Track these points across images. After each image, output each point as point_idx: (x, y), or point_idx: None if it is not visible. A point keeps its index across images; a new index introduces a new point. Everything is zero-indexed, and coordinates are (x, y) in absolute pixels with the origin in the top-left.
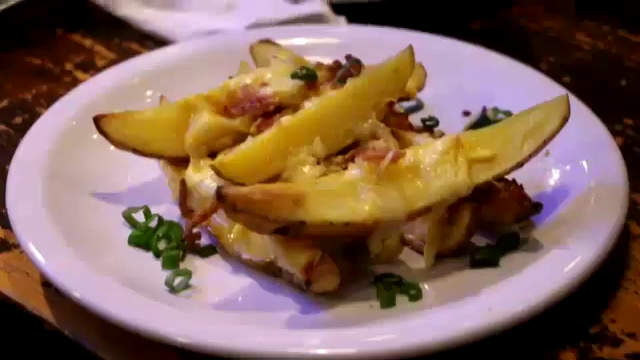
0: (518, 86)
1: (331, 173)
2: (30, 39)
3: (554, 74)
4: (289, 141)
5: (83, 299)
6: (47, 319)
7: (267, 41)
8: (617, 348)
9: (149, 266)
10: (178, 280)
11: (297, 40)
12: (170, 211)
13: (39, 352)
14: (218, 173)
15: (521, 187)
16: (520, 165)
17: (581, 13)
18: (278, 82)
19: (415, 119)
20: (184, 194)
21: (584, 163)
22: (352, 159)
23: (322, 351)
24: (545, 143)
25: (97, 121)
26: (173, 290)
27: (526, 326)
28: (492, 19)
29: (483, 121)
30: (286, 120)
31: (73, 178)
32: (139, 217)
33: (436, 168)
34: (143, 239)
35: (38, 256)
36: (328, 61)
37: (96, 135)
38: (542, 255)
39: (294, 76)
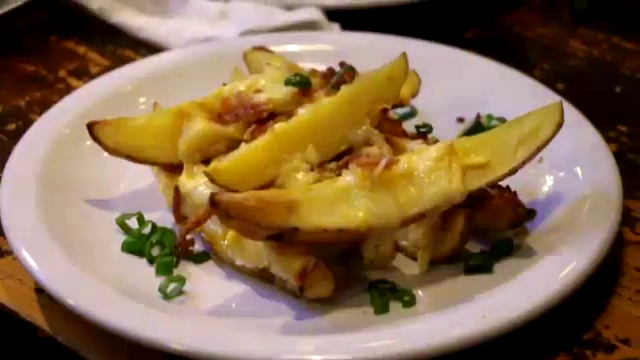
0: (512, 93)
1: (325, 180)
2: (24, 46)
3: (548, 81)
4: (283, 148)
5: (77, 306)
6: (41, 326)
7: (261, 48)
8: (611, 354)
9: (143, 272)
10: (172, 286)
11: (291, 47)
12: (164, 217)
13: (33, 359)
14: (212, 180)
15: (515, 194)
16: (514, 171)
17: (577, 20)
18: (272, 89)
19: (409, 126)
20: (178, 200)
21: (578, 170)
22: (346, 166)
23: (316, 357)
24: (539, 150)
25: (90, 128)
26: (167, 296)
27: (520, 332)
28: (487, 26)
29: (477, 128)
30: (280, 127)
31: (66, 185)
32: (133, 223)
33: (430, 175)
34: (137, 245)
35: (31, 263)
36: (322, 68)
37: (89, 142)
38: (536, 261)
39: (288, 83)
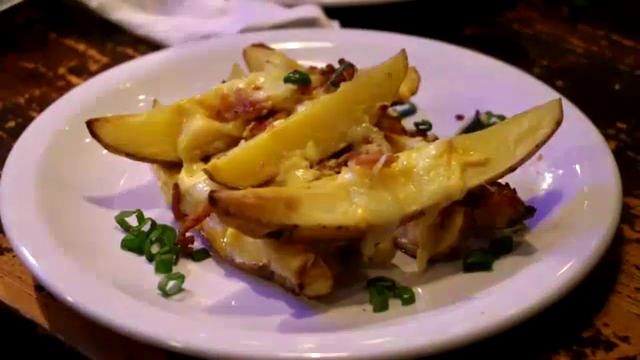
0: (511, 90)
1: (324, 177)
2: (23, 43)
3: (547, 78)
4: (282, 145)
5: (76, 303)
6: (40, 323)
7: (260, 45)
8: (610, 352)
9: (142, 270)
10: (171, 284)
11: (290, 44)
12: (163, 215)
13: (32, 356)
14: (211, 177)
15: (514, 191)
16: (513, 169)
17: (576, 17)
18: (271, 86)
19: (408, 123)
20: (177, 198)
21: (577, 167)
22: (345, 163)
23: (315, 355)
24: (538, 147)
25: (90, 125)
26: (166, 294)
27: (519, 330)
28: (486, 24)
29: (476, 125)
30: (279, 124)
31: (66, 182)
32: (132, 221)
33: (429, 172)
34: (136, 243)
35: (31, 260)
36: (321, 65)
37: (89, 139)
38: (535, 259)
39: (287, 80)
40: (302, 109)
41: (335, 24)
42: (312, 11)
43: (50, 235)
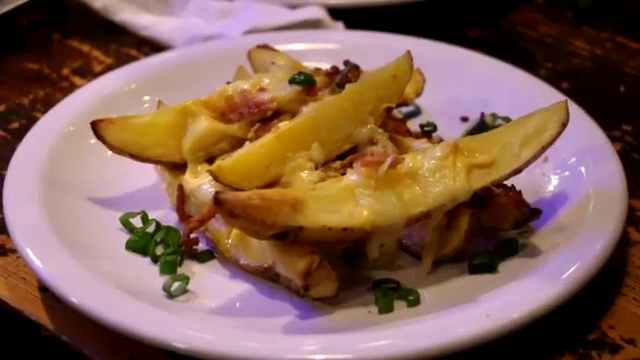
0: (516, 92)
1: (329, 179)
2: (27, 44)
3: (552, 80)
4: (287, 146)
5: (80, 304)
6: (44, 324)
7: (265, 46)
8: (616, 354)
9: (146, 271)
10: (175, 285)
11: (295, 45)
12: (168, 216)
13: (36, 357)
14: (216, 178)
15: (520, 193)
16: (519, 171)
17: (580, 19)
18: (276, 87)
19: (413, 125)
20: (182, 199)
21: (583, 169)
22: (350, 165)
23: (320, 357)
24: (544, 149)
25: (94, 126)
26: (170, 295)
27: (525, 332)
28: (490, 26)
29: (481, 127)
30: (284, 125)
31: (70, 183)
32: (137, 222)
33: (435, 174)
34: (141, 244)
35: (35, 261)
36: (326, 66)
37: (93, 140)
38: (541, 261)
39: (292, 81)
40: (307, 110)
41: (340, 25)
42: (316, 12)
43: (54, 236)
